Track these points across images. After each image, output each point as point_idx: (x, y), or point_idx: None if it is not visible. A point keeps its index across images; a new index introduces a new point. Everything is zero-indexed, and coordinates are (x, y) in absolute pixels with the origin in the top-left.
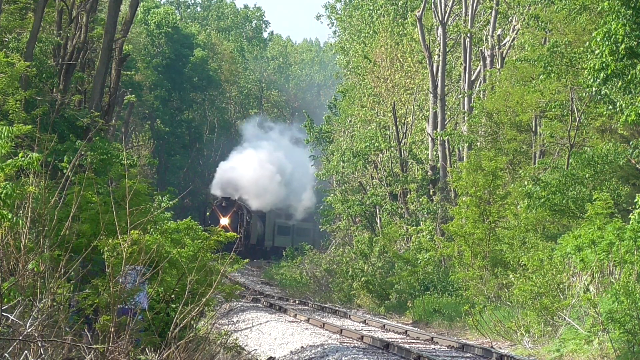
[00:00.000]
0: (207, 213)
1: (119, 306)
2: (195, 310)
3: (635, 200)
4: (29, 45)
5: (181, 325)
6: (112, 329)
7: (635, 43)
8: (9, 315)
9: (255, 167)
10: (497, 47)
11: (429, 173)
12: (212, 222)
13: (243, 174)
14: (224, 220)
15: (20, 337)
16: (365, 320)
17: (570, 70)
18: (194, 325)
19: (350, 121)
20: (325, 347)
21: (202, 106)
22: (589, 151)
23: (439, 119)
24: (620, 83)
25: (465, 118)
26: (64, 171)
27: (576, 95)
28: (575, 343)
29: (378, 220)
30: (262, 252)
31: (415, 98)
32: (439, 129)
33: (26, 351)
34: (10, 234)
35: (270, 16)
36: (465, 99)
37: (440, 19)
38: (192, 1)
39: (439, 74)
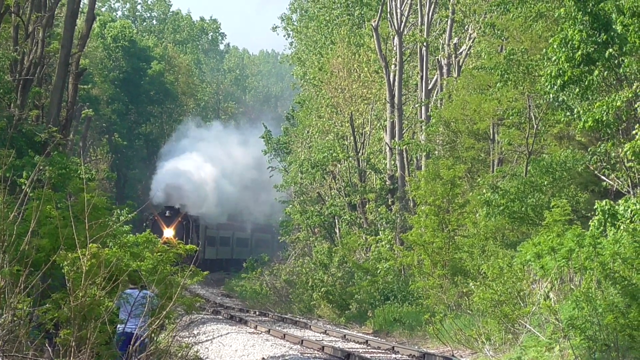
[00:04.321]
0: (145, 224)
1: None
2: (156, 323)
3: (595, 206)
4: None
5: (142, 339)
6: (73, 343)
7: (591, 49)
8: None
9: (188, 172)
10: (453, 56)
11: (387, 183)
12: (154, 233)
13: (179, 179)
14: (168, 232)
15: None
16: (325, 331)
17: (527, 78)
18: (155, 339)
19: (308, 132)
20: (287, 358)
21: (160, 119)
22: (547, 158)
23: (397, 129)
24: (577, 89)
25: (423, 127)
26: (23, 186)
27: (533, 102)
28: (536, 350)
29: (337, 231)
30: (198, 265)
31: (372, 108)
32: (396, 139)
33: None
34: None
35: (227, 28)
36: (423, 108)
37: (397, 28)
38: (149, 14)
39: (396, 83)
